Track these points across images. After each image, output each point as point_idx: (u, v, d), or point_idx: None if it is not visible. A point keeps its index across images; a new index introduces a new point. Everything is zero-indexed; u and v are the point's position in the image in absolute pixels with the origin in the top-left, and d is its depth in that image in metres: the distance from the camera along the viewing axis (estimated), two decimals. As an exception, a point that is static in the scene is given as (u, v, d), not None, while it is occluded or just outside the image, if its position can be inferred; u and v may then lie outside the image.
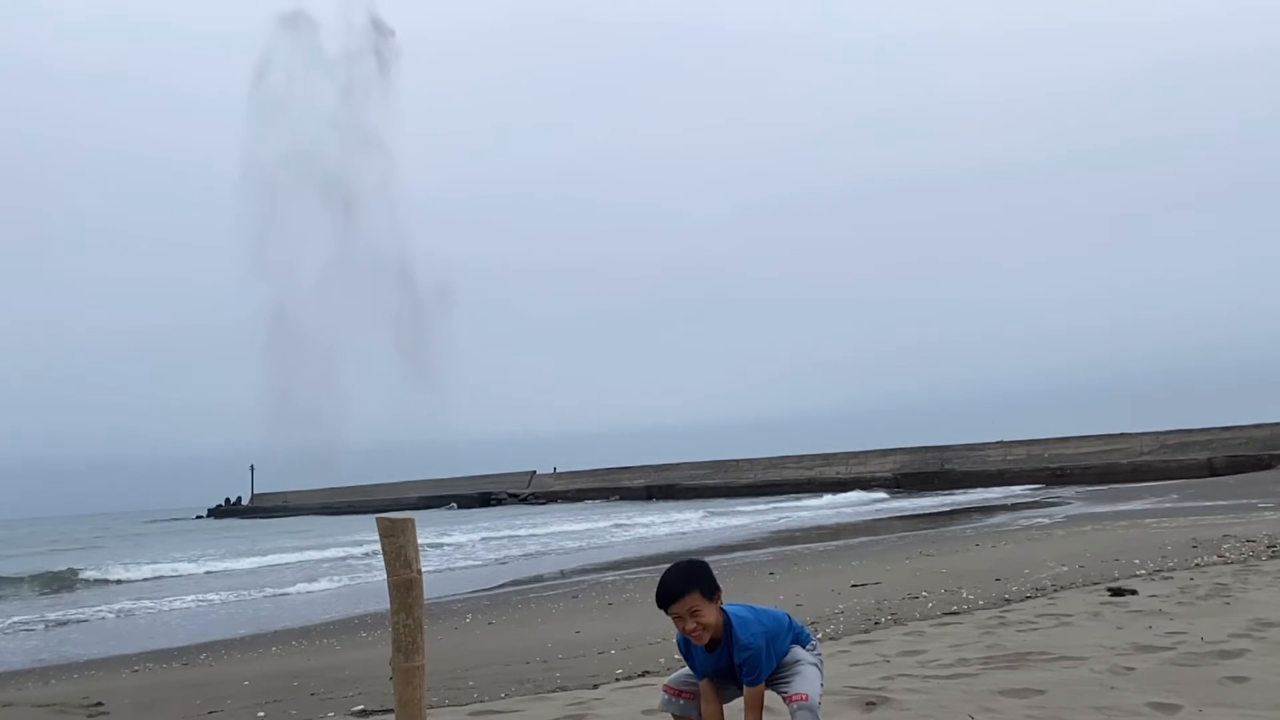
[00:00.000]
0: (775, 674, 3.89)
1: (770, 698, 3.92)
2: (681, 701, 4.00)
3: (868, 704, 5.05)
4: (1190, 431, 50.34)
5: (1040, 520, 22.51)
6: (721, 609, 3.81)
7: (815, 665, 3.92)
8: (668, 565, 3.97)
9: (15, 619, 16.19)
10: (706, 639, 3.74)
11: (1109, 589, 8.90)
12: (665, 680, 4.18)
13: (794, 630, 4.01)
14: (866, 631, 7.99)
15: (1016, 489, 45.63)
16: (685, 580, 3.74)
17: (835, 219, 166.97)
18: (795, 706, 3.71)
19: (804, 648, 3.97)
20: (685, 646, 3.95)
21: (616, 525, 34.34)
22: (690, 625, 3.71)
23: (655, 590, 3.80)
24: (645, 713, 5.21)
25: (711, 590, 3.76)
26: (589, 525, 34.80)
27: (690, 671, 4.07)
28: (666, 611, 3.76)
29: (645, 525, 33.69)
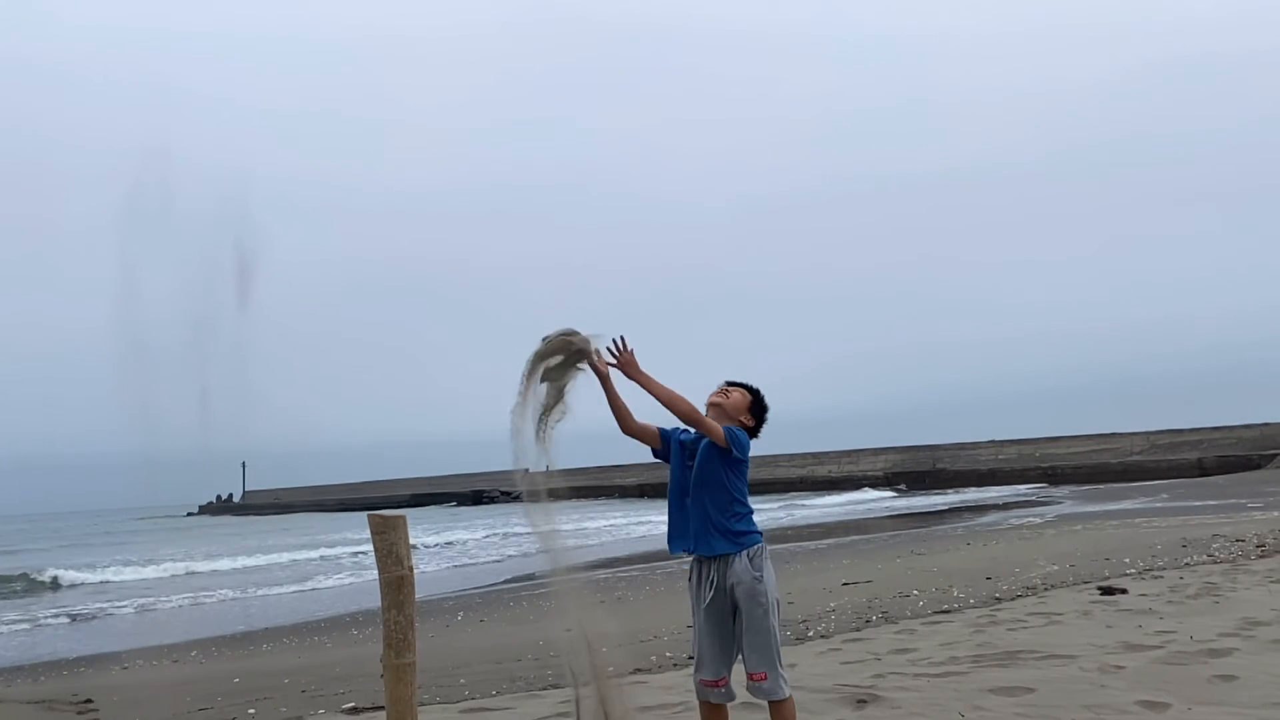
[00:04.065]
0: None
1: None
2: (720, 690, 4.00)
3: (858, 702, 5.07)
4: (1180, 431, 50.42)
5: (1031, 519, 22.56)
6: (736, 428, 4.07)
7: (770, 610, 3.92)
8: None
9: (4, 617, 16.13)
10: (714, 414, 4.08)
11: (1099, 588, 8.92)
12: (699, 675, 4.07)
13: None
14: (857, 630, 8.00)
15: (1022, 488, 45.45)
16: (751, 387, 4.21)
17: (832, 217, 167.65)
18: (753, 685, 3.90)
19: (750, 550, 4.02)
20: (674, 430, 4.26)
21: (617, 525, 33.95)
22: (718, 396, 4.15)
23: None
24: (639, 709, 5.20)
25: (755, 409, 4.17)
26: (601, 524, 34.26)
27: (703, 660, 4.03)
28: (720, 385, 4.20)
29: (649, 524, 32.80)
